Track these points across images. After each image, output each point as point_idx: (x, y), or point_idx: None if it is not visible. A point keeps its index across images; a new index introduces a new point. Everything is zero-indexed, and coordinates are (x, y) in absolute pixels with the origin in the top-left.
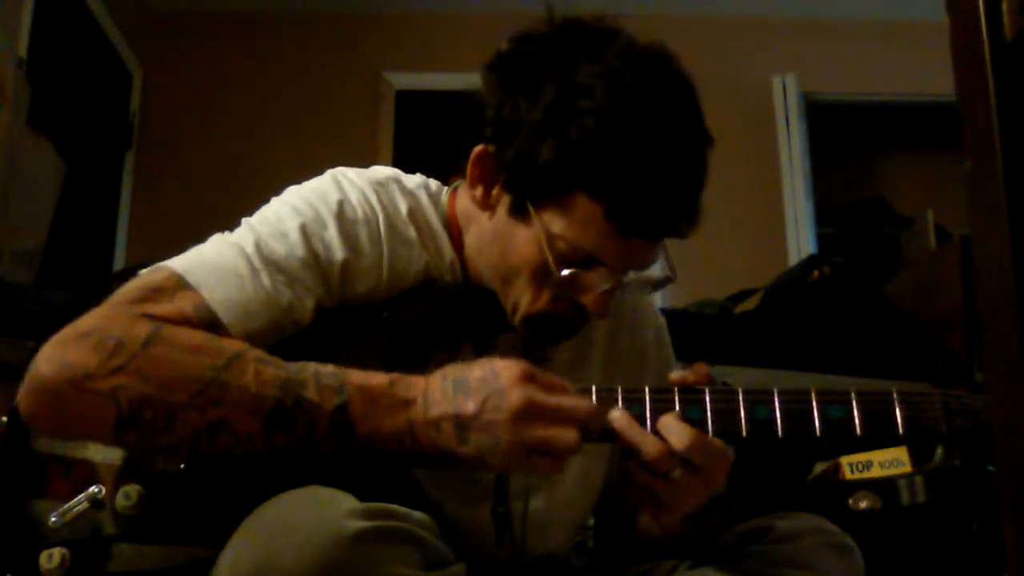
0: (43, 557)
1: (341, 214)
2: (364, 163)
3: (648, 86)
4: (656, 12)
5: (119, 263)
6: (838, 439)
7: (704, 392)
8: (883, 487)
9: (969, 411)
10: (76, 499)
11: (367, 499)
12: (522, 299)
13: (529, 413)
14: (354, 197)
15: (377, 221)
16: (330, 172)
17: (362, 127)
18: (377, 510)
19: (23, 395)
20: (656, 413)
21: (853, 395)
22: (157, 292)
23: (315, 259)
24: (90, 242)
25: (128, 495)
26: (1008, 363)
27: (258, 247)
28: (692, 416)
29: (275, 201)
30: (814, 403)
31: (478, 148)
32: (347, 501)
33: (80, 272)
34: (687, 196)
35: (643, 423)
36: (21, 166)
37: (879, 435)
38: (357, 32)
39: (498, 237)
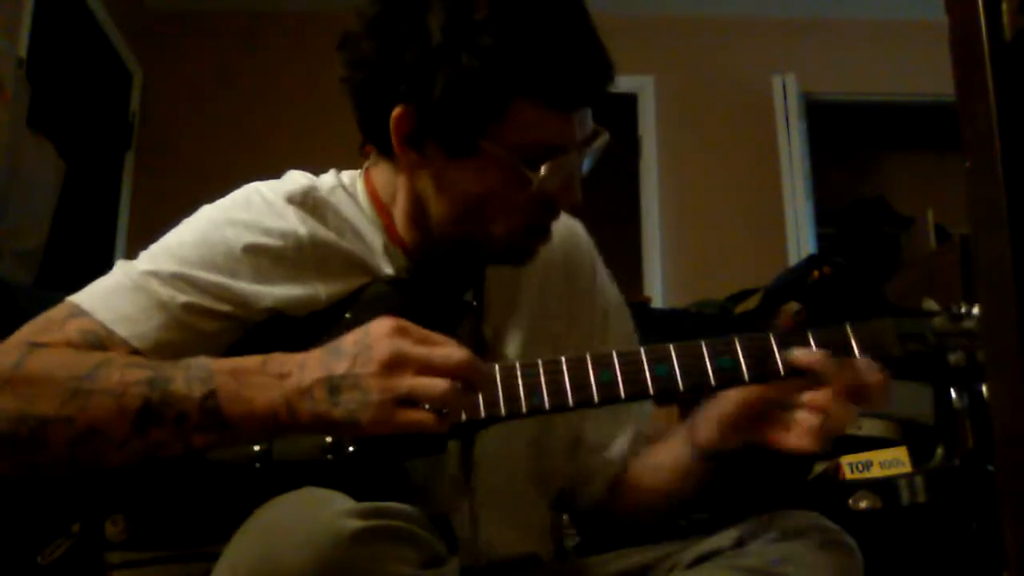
0: None
1: (246, 236)
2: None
3: None
4: (657, 12)
5: None
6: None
7: (669, 348)
8: (883, 487)
9: (920, 335)
10: (58, 540)
11: (361, 499)
12: (497, 226)
13: (397, 363)
14: (266, 219)
15: (296, 237)
16: (244, 189)
17: None
18: (373, 509)
19: None
20: (626, 376)
21: (810, 335)
22: (50, 323)
23: (212, 284)
24: (90, 242)
25: (115, 522)
26: (1008, 363)
27: (151, 262)
28: (660, 373)
29: (182, 223)
30: (775, 346)
31: (396, 112)
32: (344, 501)
33: (80, 272)
34: (600, 49)
35: (615, 386)
36: (21, 166)
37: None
38: None
39: (444, 186)
